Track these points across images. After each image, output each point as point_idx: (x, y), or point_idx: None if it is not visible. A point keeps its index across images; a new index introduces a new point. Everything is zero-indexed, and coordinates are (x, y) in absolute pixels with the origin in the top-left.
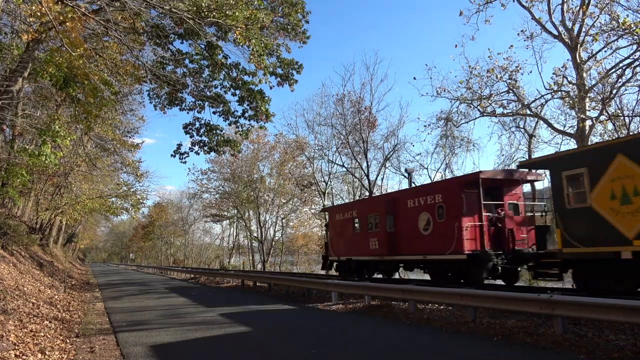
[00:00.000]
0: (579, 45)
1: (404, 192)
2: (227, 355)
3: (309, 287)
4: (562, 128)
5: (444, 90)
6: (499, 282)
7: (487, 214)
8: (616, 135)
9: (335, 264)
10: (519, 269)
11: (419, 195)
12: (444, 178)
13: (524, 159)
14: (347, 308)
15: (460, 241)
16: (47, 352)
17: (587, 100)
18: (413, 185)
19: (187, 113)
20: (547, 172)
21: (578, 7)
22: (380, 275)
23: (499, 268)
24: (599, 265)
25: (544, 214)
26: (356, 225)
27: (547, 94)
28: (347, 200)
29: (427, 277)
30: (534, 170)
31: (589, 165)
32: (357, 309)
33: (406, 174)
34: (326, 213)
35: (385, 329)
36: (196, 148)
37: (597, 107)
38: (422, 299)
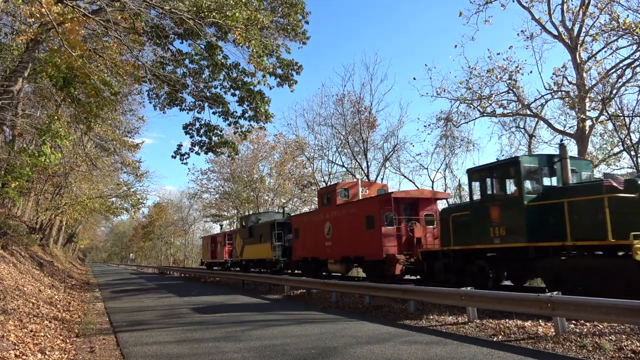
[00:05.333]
0: (579, 46)
1: (217, 234)
2: None
3: (309, 287)
4: (562, 128)
5: (444, 91)
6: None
7: (229, 245)
8: (616, 135)
9: (204, 263)
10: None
11: (218, 237)
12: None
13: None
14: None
15: (223, 254)
16: (47, 352)
17: (587, 100)
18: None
19: (187, 113)
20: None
21: (578, 8)
22: (216, 268)
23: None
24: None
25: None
26: (209, 245)
27: (547, 94)
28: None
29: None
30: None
31: (235, 235)
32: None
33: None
34: (201, 239)
35: (385, 329)
36: (196, 148)
37: (597, 107)
38: (421, 299)
